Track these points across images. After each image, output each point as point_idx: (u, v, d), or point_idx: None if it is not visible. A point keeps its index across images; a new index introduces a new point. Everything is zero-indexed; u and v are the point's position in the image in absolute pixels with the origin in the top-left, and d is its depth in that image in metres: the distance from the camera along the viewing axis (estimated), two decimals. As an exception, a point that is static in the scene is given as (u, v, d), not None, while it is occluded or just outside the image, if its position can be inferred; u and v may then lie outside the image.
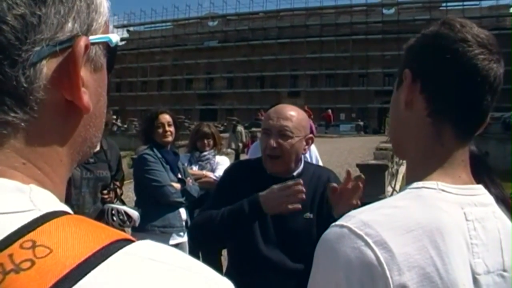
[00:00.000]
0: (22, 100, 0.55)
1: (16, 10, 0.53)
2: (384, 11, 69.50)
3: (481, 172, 2.51)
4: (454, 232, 0.97)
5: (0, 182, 0.53)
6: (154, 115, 4.50)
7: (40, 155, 0.58)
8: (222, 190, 2.59)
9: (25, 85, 0.54)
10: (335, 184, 2.25)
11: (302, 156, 2.59)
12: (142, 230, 4.29)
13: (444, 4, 67.01)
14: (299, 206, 2.21)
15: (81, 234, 0.51)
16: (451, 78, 1.04)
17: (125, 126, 37.28)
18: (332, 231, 0.96)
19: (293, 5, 74.58)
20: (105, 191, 4.13)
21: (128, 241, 0.53)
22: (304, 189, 2.22)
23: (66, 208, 0.56)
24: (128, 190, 6.00)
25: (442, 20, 1.12)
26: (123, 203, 4.29)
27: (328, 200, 2.40)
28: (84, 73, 0.60)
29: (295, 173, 2.48)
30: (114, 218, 3.98)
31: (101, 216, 4.00)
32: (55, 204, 0.56)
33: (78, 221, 0.54)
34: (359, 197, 2.22)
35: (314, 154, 5.40)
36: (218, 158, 5.34)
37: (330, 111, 47.36)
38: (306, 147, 2.52)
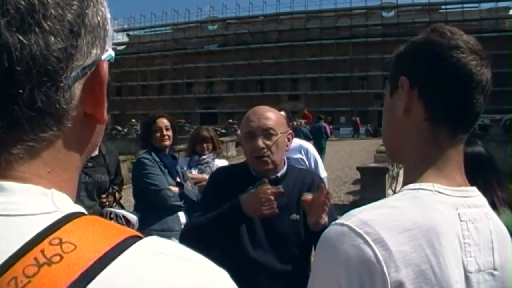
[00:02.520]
0: (60, 119, 0.63)
1: (60, 44, 0.60)
2: (384, 14, 69.67)
3: (489, 175, 2.49)
4: (449, 232, 1.01)
5: (27, 187, 0.60)
6: (152, 119, 4.48)
7: (62, 164, 0.65)
8: (207, 196, 2.61)
9: (64, 106, 0.62)
10: (308, 196, 2.24)
11: (291, 154, 2.63)
12: (142, 234, 4.27)
13: (443, 7, 67.20)
14: (276, 210, 2.23)
15: (99, 232, 0.59)
16: (448, 83, 1.08)
17: (125, 130, 37.25)
18: (332, 229, 1.00)
19: (293, 8, 74.89)
20: (103, 195, 4.12)
21: (138, 237, 0.61)
22: (282, 190, 2.26)
23: (83, 210, 0.63)
24: (129, 195, 5.99)
25: (432, 28, 1.16)
26: (122, 207, 4.27)
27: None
28: (105, 90, 0.69)
29: (279, 174, 2.50)
30: (113, 222, 3.96)
31: (100, 220, 3.98)
32: (73, 206, 0.63)
33: (95, 221, 0.61)
34: (325, 211, 2.22)
35: (312, 156, 5.36)
36: (218, 161, 5.30)
37: (358, 119, 48.69)
38: (288, 143, 2.57)
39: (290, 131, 2.60)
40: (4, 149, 0.61)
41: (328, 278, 0.97)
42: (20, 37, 0.57)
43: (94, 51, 0.66)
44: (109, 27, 0.71)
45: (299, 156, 5.11)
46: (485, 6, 65.35)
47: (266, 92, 69.46)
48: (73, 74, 0.63)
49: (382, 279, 0.92)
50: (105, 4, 0.71)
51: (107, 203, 4.12)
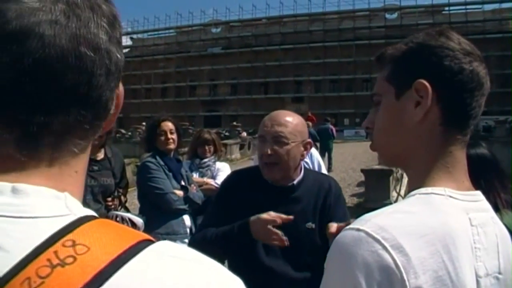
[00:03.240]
0: (105, 120, 0.70)
1: (117, 53, 0.68)
2: (387, 15, 69.68)
3: (492, 177, 2.49)
4: (462, 237, 1.01)
5: (39, 189, 0.61)
6: (156, 123, 4.48)
7: (80, 168, 0.69)
8: (219, 204, 2.56)
9: (110, 108, 0.70)
10: (334, 225, 2.12)
11: (303, 164, 2.55)
12: None
13: (447, 8, 67.14)
14: (285, 243, 2.19)
15: (112, 235, 0.60)
16: (466, 90, 1.07)
17: (129, 133, 37.31)
18: (348, 234, 0.97)
19: (296, 11, 75.16)
20: (109, 198, 4.13)
21: (150, 241, 0.61)
22: (291, 218, 2.21)
23: (94, 213, 0.65)
24: (133, 198, 5.99)
25: (438, 31, 1.14)
26: (127, 210, 4.28)
27: (329, 208, 2.42)
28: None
29: (295, 181, 2.44)
30: (125, 225, 3.97)
31: (106, 223, 4.00)
32: (85, 210, 0.64)
33: (107, 224, 0.62)
34: None
35: (316, 159, 5.39)
36: (219, 165, 5.30)
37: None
38: (305, 152, 2.47)
39: (309, 140, 2.50)
40: (63, 141, 0.65)
41: (345, 285, 0.94)
42: (115, 49, 0.67)
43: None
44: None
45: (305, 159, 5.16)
46: (488, 7, 65.38)
47: (270, 94, 69.59)
48: (111, 86, 0.69)
49: (402, 286, 0.91)
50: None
51: (112, 206, 4.13)
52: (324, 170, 5.34)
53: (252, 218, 2.23)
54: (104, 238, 0.59)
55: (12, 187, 0.61)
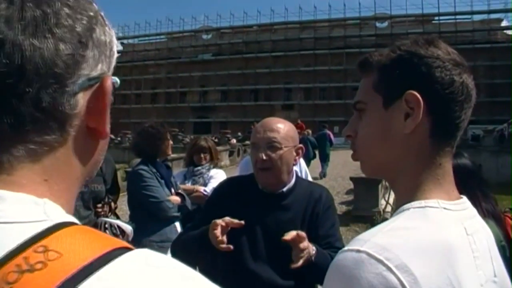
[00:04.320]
0: (63, 124, 0.67)
1: (69, 50, 0.66)
2: (377, 24, 69.96)
3: (474, 187, 2.54)
4: (462, 249, 0.99)
5: (19, 195, 0.62)
6: (162, 132, 4.55)
7: (61, 173, 0.68)
8: (209, 208, 2.59)
9: (67, 111, 0.66)
10: (286, 236, 2.15)
11: (294, 171, 2.58)
12: (140, 245, 4.29)
13: (436, 18, 67.56)
14: (230, 247, 2.21)
15: (87, 242, 0.59)
16: (456, 102, 1.06)
17: (119, 139, 37.17)
18: (348, 256, 0.92)
19: (287, 18, 75.09)
20: (99, 205, 4.12)
21: (128, 249, 0.61)
22: (242, 223, 2.22)
23: (74, 220, 0.64)
24: (122, 203, 5.97)
25: (427, 40, 1.11)
26: (117, 217, 4.28)
27: (317, 217, 2.43)
28: (108, 105, 0.73)
29: (285, 188, 2.47)
30: (107, 232, 3.97)
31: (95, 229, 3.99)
32: (65, 216, 0.64)
33: (85, 231, 0.62)
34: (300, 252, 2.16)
35: (303, 168, 5.42)
36: (213, 172, 5.25)
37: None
38: (297, 157, 2.52)
39: (300, 145, 2.55)
40: (6, 148, 0.65)
41: None
42: (33, 41, 0.63)
43: (100, 66, 0.71)
44: (115, 50, 0.78)
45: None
46: (477, 17, 65.81)
47: (260, 101, 69.55)
48: (79, 81, 0.67)
49: None
50: (112, 31, 0.77)
51: (102, 213, 4.13)
52: (310, 179, 5.33)
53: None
54: (78, 244, 0.58)
55: None
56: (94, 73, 0.70)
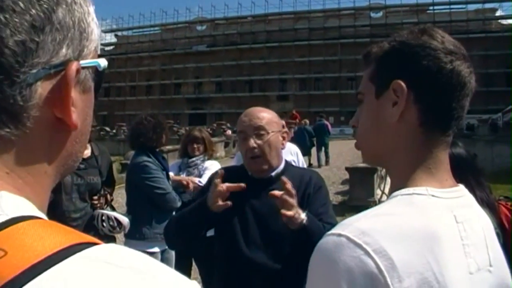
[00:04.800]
0: (16, 117, 0.60)
1: (18, 36, 0.58)
2: (372, 14, 69.94)
3: (468, 176, 2.56)
4: (447, 235, 1.00)
5: None
6: (162, 122, 4.68)
7: (24, 166, 0.62)
8: (201, 195, 2.62)
9: (20, 103, 0.60)
10: (275, 192, 2.23)
11: (283, 156, 2.65)
12: (143, 238, 4.39)
13: (431, 8, 67.55)
14: (228, 203, 2.30)
15: (42, 237, 0.53)
16: (445, 90, 1.06)
17: (114, 131, 37.12)
18: (329, 240, 0.95)
19: (282, 9, 75.08)
20: (95, 197, 4.12)
21: (90, 244, 0.55)
22: (242, 185, 2.32)
23: (38, 214, 0.59)
24: (118, 196, 5.97)
25: (421, 29, 1.13)
26: (113, 209, 4.28)
27: (308, 197, 2.49)
28: (74, 94, 0.65)
29: (273, 173, 2.53)
30: (104, 224, 3.99)
31: (91, 221, 4.00)
32: (27, 210, 0.58)
33: (44, 225, 0.56)
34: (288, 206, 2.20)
35: (300, 159, 5.45)
36: (208, 163, 5.22)
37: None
38: (284, 142, 2.61)
39: (285, 130, 2.64)
40: None
41: None
42: None
43: (63, 51, 0.64)
44: (91, 30, 0.70)
45: (291, 158, 5.24)
46: (472, 7, 65.80)
47: (254, 92, 69.51)
48: (34, 70, 0.60)
49: None
50: (90, 9, 0.70)
51: (98, 205, 4.12)
52: None
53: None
54: (30, 240, 0.52)
55: None
56: (56, 60, 0.63)
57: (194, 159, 5.19)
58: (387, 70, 1.12)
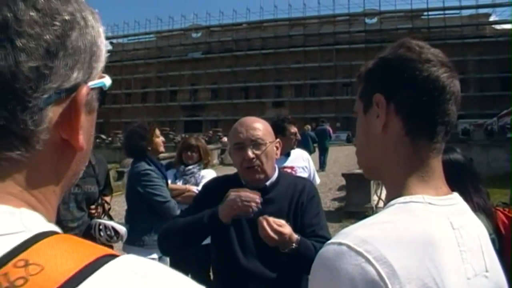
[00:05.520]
0: (27, 140, 0.61)
1: (32, 62, 0.59)
2: (367, 20, 70.07)
3: (465, 181, 2.57)
4: (445, 242, 1.02)
5: None
6: (148, 128, 4.64)
7: (35, 185, 0.64)
8: (196, 204, 2.65)
9: (31, 127, 0.60)
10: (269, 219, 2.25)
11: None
12: (143, 245, 4.41)
13: (425, 13, 67.72)
14: (250, 214, 2.30)
15: (69, 251, 0.56)
16: (424, 97, 1.09)
17: (109, 139, 37.07)
18: (330, 249, 0.97)
19: (277, 15, 75.01)
20: (92, 206, 4.11)
21: (112, 256, 0.58)
22: (258, 201, 2.30)
23: (55, 228, 0.61)
24: (114, 204, 5.97)
25: (400, 43, 1.18)
26: (111, 218, 4.28)
27: (301, 206, 2.50)
28: (81, 116, 0.66)
29: (268, 182, 2.54)
30: (102, 234, 3.98)
31: (89, 230, 3.99)
32: (45, 225, 0.61)
33: (66, 240, 0.59)
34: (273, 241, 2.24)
35: (312, 167, 5.49)
36: (204, 172, 5.21)
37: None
38: (277, 151, 2.62)
39: (278, 140, 2.65)
40: None
41: None
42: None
43: (74, 75, 0.64)
44: (101, 52, 0.71)
45: (303, 164, 5.29)
46: (466, 12, 66.01)
47: (250, 99, 69.58)
48: (45, 96, 0.61)
49: None
50: (100, 29, 0.71)
51: (96, 214, 4.12)
52: (317, 179, 5.66)
53: (221, 204, 2.35)
54: (60, 255, 0.55)
55: None
56: (66, 85, 0.64)
57: (190, 167, 5.18)
58: (370, 86, 1.19)
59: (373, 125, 1.16)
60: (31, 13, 0.60)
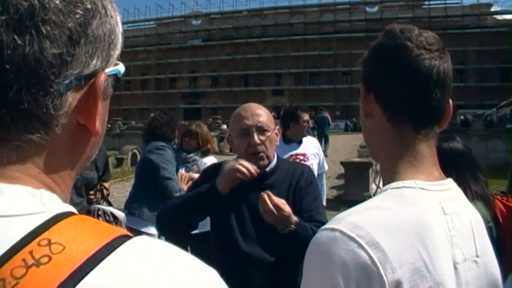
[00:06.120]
0: (47, 123, 0.64)
1: (56, 49, 0.61)
2: (367, 9, 69.94)
3: (464, 169, 2.59)
4: (436, 227, 1.04)
5: (15, 188, 0.61)
6: (173, 117, 4.99)
7: (53, 168, 0.67)
8: (197, 185, 2.66)
9: (52, 111, 0.63)
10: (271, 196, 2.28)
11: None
12: (141, 216, 4.51)
13: (426, 3, 67.53)
14: (248, 178, 2.32)
15: (88, 232, 0.59)
16: (398, 83, 1.12)
17: (109, 125, 37.01)
18: (323, 234, 0.99)
19: (277, 3, 74.97)
20: (91, 192, 4.13)
21: (127, 237, 0.61)
22: (256, 169, 2.34)
23: (72, 209, 0.64)
24: (113, 190, 5.98)
25: (385, 30, 1.20)
26: (110, 204, 4.29)
27: (300, 190, 2.53)
28: (98, 102, 0.69)
29: (268, 168, 2.55)
30: (100, 219, 3.99)
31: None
32: (63, 206, 0.64)
33: (84, 220, 0.62)
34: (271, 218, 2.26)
35: (321, 154, 5.58)
36: (207, 159, 5.19)
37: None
38: (277, 138, 2.63)
39: (277, 127, 2.66)
40: None
41: (324, 284, 0.96)
42: (15, 37, 0.59)
43: (93, 62, 0.67)
44: (118, 40, 0.74)
45: (314, 151, 5.40)
46: (467, 2, 66.01)
47: (250, 87, 69.55)
48: (66, 81, 0.63)
49: (380, 281, 0.92)
50: (117, 18, 0.74)
51: (94, 200, 4.13)
52: (325, 165, 5.85)
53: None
54: (80, 235, 0.58)
55: None
56: (86, 71, 0.66)
57: (192, 154, 5.21)
58: (361, 75, 1.23)
59: (362, 112, 1.21)
60: (56, 1, 0.62)
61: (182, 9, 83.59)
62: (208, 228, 2.68)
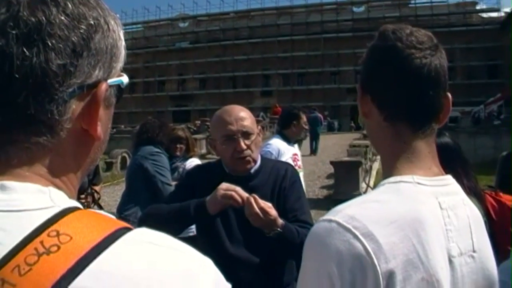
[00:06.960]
0: (52, 128, 0.70)
1: (60, 60, 0.68)
2: (354, 9, 70.03)
3: (456, 165, 2.61)
4: (432, 221, 1.07)
5: (26, 185, 0.68)
6: (164, 122, 5.06)
7: (59, 168, 0.73)
8: (179, 190, 2.68)
9: (56, 117, 0.69)
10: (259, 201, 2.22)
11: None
12: (134, 221, 4.42)
13: (413, 2, 67.78)
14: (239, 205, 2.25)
15: (93, 224, 0.66)
16: (391, 84, 1.16)
17: (98, 129, 36.81)
18: (321, 225, 1.03)
19: (264, 4, 74.83)
20: (82, 196, 4.12)
21: (128, 229, 0.67)
22: (243, 197, 2.23)
23: (78, 204, 0.71)
24: (104, 194, 5.96)
25: (378, 32, 1.24)
26: (101, 207, 4.29)
27: (284, 190, 2.52)
28: (100, 110, 0.75)
29: (252, 170, 2.55)
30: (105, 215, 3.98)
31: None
32: (69, 201, 0.70)
33: (89, 214, 0.68)
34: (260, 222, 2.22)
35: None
36: (188, 162, 5.17)
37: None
38: (260, 139, 2.63)
39: (260, 127, 2.66)
40: (2, 146, 0.69)
41: (320, 273, 0.99)
42: (24, 49, 0.65)
43: (96, 73, 0.73)
44: (120, 53, 0.80)
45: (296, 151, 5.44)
46: (453, 0, 66.15)
47: (238, 88, 69.38)
48: (70, 90, 0.69)
49: (373, 271, 0.96)
50: (120, 33, 0.80)
51: (85, 203, 4.13)
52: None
53: (208, 197, 2.29)
54: (86, 227, 0.64)
55: (0, 185, 0.67)
56: (89, 81, 0.72)
57: (174, 161, 5.16)
58: (359, 77, 1.27)
59: (361, 112, 1.25)
60: (62, 17, 0.68)
61: (169, 11, 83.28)
62: (191, 234, 2.67)
